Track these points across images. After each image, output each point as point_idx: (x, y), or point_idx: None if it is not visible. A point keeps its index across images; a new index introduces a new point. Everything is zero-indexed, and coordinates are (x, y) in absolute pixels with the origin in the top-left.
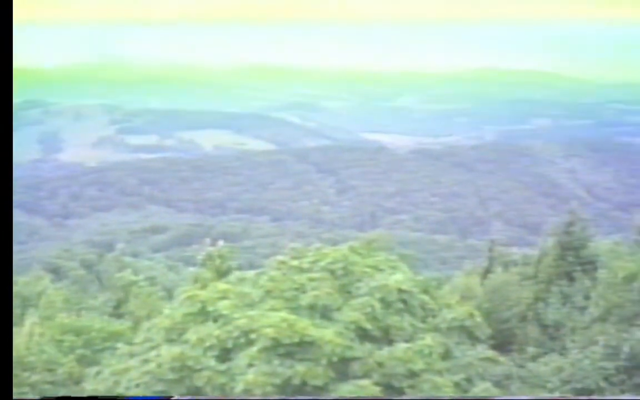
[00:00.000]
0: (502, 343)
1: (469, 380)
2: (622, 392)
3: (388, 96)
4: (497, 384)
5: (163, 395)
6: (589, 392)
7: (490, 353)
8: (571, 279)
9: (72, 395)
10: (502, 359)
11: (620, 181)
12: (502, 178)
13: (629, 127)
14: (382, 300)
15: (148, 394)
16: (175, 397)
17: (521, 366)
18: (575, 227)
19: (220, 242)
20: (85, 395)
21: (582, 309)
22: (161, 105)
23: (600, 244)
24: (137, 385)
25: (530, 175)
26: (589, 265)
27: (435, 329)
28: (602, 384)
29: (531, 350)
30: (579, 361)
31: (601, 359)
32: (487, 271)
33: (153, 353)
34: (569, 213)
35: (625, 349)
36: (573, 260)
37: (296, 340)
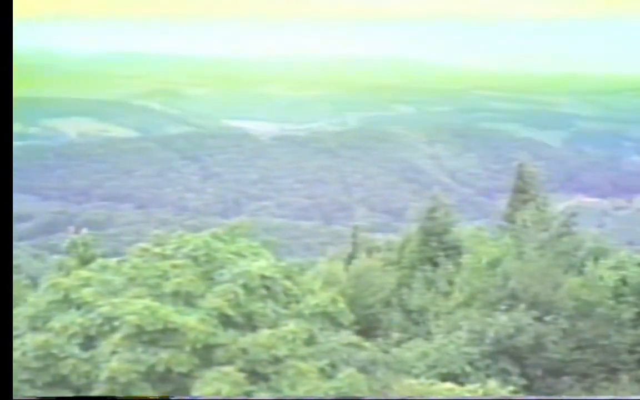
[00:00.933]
0: (367, 329)
1: (333, 365)
2: (488, 377)
3: (252, 83)
4: (362, 369)
5: (163, 395)
6: (454, 377)
7: (355, 338)
8: (435, 264)
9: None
10: (366, 344)
11: (484, 167)
12: (366, 164)
13: (493, 113)
14: (245, 286)
15: (13, 383)
16: (175, 397)
17: (386, 352)
18: (438, 212)
19: (84, 230)
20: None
21: (446, 294)
22: (25, 93)
23: (464, 229)
24: None
25: (393, 161)
26: (453, 251)
27: (299, 315)
28: (468, 368)
29: (396, 335)
30: (444, 346)
31: (466, 344)
32: (350, 257)
33: (18, 341)
34: (432, 199)
35: (490, 333)
36: (436, 245)
37: (160, 327)
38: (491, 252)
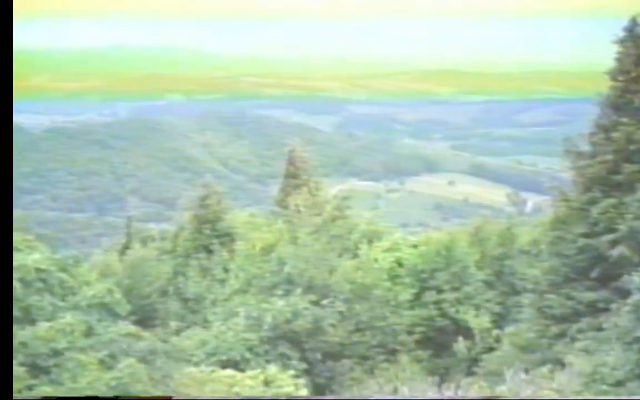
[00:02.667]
0: (145, 318)
1: (112, 356)
2: (268, 362)
3: (22, 76)
4: (142, 359)
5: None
6: (234, 363)
7: (133, 328)
8: (209, 252)
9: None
10: (145, 334)
11: (256, 153)
12: (138, 154)
13: (264, 100)
14: (21, 280)
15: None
16: (175, 397)
17: (165, 341)
18: (210, 200)
19: None
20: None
21: (222, 281)
22: None
23: (237, 216)
24: None
25: (165, 150)
26: (227, 238)
27: (76, 307)
28: (247, 355)
29: (174, 324)
30: (222, 333)
31: (244, 330)
32: (125, 247)
33: None
34: (204, 187)
35: (268, 319)
36: (210, 233)
37: None
38: (265, 238)
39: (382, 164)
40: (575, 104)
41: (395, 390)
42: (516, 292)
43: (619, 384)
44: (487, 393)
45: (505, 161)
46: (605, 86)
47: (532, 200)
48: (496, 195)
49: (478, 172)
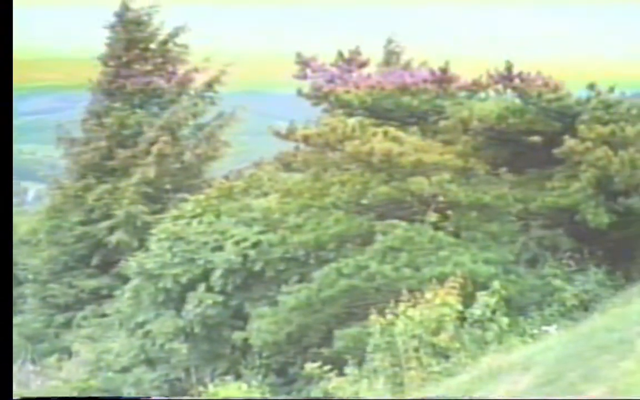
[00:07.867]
0: None
1: None
2: None
3: None
4: None
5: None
6: None
7: None
8: None
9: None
10: None
11: None
12: None
13: None
14: None
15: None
16: (176, 398)
17: None
18: None
19: None
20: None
21: None
22: None
23: None
24: None
25: None
26: None
27: None
28: None
29: None
30: None
31: None
32: None
33: None
34: None
35: None
36: None
37: None
38: None
39: None
40: (73, 91)
41: None
42: (19, 282)
43: (124, 370)
44: None
45: None
46: (98, 72)
47: (33, 189)
48: None
49: None
